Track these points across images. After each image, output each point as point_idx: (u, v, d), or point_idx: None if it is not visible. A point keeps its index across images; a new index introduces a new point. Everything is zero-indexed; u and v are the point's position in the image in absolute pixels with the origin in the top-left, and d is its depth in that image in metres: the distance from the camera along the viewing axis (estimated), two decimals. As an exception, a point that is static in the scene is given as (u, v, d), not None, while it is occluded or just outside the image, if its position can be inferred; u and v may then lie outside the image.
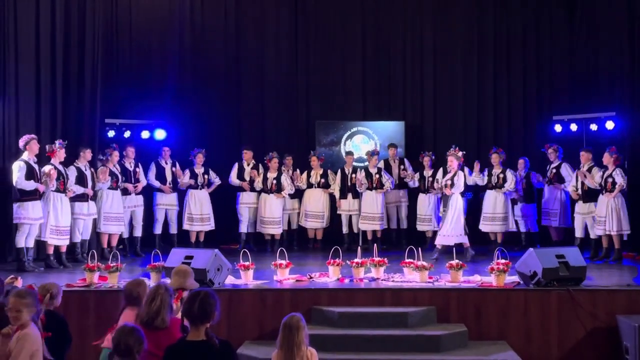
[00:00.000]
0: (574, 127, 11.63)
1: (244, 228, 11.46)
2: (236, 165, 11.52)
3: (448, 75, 12.66)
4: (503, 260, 7.36)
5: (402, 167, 11.68)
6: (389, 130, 12.57)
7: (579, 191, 9.90)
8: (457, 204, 9.55)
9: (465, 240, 9.48)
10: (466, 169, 10.24)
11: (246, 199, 11.46)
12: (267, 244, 11.21)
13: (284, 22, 12.83)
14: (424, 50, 12.70)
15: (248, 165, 11.54)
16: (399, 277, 7.81)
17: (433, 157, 11.32)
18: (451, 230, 9.41)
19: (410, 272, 7.75)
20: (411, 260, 7.78)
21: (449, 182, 9.62)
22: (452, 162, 9.74)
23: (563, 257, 7.09)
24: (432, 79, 12.69)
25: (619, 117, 10.96)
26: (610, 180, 9.41)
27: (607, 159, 9.60)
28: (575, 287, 7.00)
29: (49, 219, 9.07)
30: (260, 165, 11.50)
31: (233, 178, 11.42)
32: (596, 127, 11.33)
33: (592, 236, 9.84)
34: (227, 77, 12.79)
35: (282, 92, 12.81)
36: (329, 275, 7.89)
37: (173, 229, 11.25)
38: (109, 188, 10.00)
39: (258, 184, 11.16)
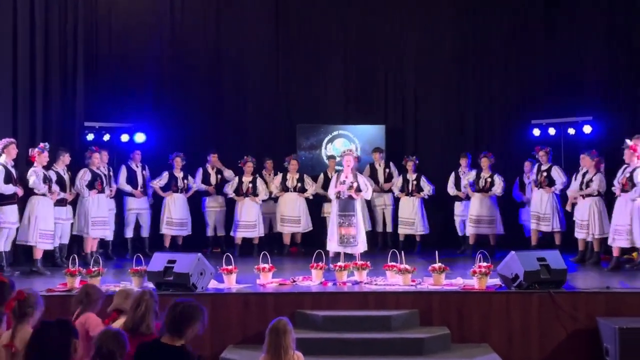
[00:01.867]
0: (552, 131, 11.75)
1: (210, 232, 11.50)
2: (200, 170, 11.44)
3: (428, 79, 12.74)
4: (485, 264, 7.41)
5: (387, 170, 11.70)
6: (370, 133, 12.62)
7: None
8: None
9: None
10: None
11: (212, 203, 11.46)
12: (244, 247, 10.98)
13: (265, 26, 12.83)
14: (405, 54, 12.78)
15: (213, 169, 11.51)
16: (382, 280, 7.83)
17: (417, 161, 11.36)
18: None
19: (393, 276, 7.78)
20: (394, 264, 7.81)
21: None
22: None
23: (544, 260, 7.15)
24: (413, 83, 12.77)
25: (596, 121, 11.13)
26: (590, 184, 9.55)
27: (587, 162, 9.71)
28: (556, 290, 7.07)
29: (36, 223, 8.97)
30: (224, 169, 11.47)
31: (198, 182, 11.33)
32: (574, 131, 11.49)
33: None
34: (208, 81, 12.74)
35: (263, 96, 12.80)
36: (312, 279, 7.90)
37: (145, 233, 11.22)
38: (98, 192, 9.87)
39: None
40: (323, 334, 6.77)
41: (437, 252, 7.77)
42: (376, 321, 6.90)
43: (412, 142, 12.70)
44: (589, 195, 9.47)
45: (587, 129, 11.19)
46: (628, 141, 8.62)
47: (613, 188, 9.02)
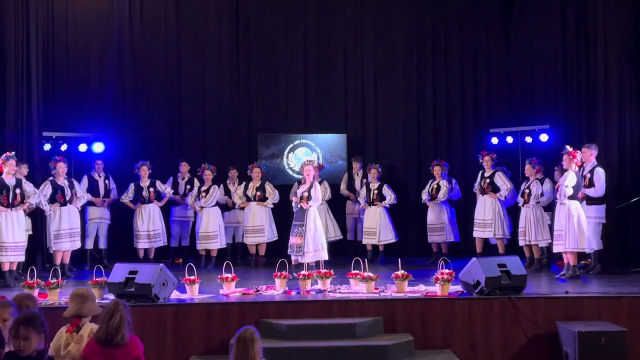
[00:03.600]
0: (509, 139, 12.00)
1: (175, 242, 11.36)
2: (170, 179, 11.34)
3: (388, 88, 12.86)
4: (447, 270, 7.49)
5: (364, 180, 11.69)
6: (332, 142, 12.68)
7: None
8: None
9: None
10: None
11: (179, 213, 11.35)
12: (201, 258, 10.77)
13: (225, 35, 12.80)
14: (365, 63, 12.87)
15: (183, 179, 11.40)
16: (346, 288, 7.85)
17: (380, 170, 11.40)
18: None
19: (356, 284, 7.81)
20: (357, 272, 7.84)
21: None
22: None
23: (505, 266, 7.26)
24: (373, 92, 12.86)
25: (552, 130, 11.37)
26: (527, 191, 9.86)
27: (529, 170, 9.99)
28: (516, 296, 7.18)
29: (7, 236, 8.76)
30: (195, 179, 11.32)
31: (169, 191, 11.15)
32: (531, 139, 11.74)
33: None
34: (167, 89, 12.66)
35: (224, 104, 12.76)
36: (276, 288, 7.87)
37: (102, 244, 11.05)
38: (60, 204, 9.61)
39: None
40: (288, 342, 6.75)
41: (399, 259, 7.83)
42: (341, 329, 6.91)
43: (373, 150, 12.78)
44: (525, 203, 9.82)
45: (543, 137, 11.44)
46: (568, 147, 8.81)
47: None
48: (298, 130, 12.81)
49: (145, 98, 12.54)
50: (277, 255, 10.15)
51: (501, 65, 12.66)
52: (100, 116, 12.12)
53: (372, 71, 12.87)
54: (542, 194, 9.85)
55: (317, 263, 8.82)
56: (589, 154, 9.04)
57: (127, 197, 10.82)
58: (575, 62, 10.50)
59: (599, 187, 8.89)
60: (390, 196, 11.18)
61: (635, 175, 9.71)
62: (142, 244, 10.70)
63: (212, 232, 10.81)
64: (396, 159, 12.65)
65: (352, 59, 12.91)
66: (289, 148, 12.66)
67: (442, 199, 10.94)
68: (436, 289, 7.43)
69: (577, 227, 8.49)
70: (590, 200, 9.03)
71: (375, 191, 11.20)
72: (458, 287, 7.58)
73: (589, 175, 8.98)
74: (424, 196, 11.13)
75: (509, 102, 12.56)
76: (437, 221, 10.94)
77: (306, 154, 12.54)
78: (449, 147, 12.68)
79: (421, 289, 7.70)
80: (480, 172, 10.70)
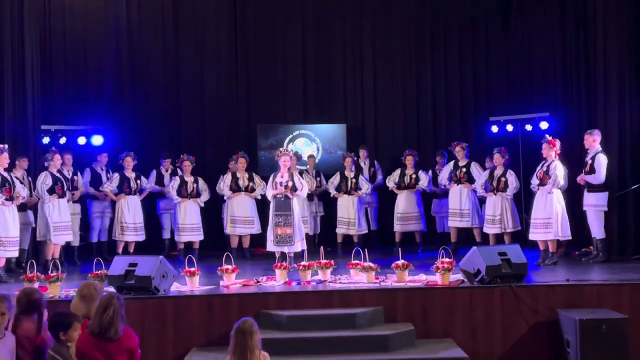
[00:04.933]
0: (509, 127, 11.96)
1: (166, 235, 11.26)
2: (154, 172, 11.16)
3: (387, 78, 12.83)
4: (447, 259, 7.48)
5: (372, 169, 11.66)
6: (331, 132, 12.65)
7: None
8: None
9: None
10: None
11: (165, 205, 11.27)
12: (189, 252, 10.06)
13: (223, 26, 12.75)
14: (364, 53, 12.83)
15: (167, 171, 11.35)
16: (346, 278, 7.84)
17: (355, 158, 11.28)
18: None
19: (356, 274, 7.80)
20: (357, 262, 7.83)
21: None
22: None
23: (505, 255, 7.24)
24: (372, 82, 12.83)
25: (552, 117, 11.33)
26: (503, 180, 9.86)
27: (497, 159, 10.00)
28: (517, 284, 7.16)
29: (8, 231, 8.67)
30: (179, 171, 11.16)
31: (152, 184, 11.03)
32: (531, 127, 11.69)
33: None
34: (166, 81, 12.62)
35: (223, 96, 12.73)
36: (276, 279, 7.86)
37: (104, 236, 11.03)
38: (59, 196, 9.54)
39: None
40: (288, 333, 6.75)
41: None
42: (341, 319, 6.90)
43: (373, 140, 12.76)
44: (500, 191, 9.83)
45: (544, 125, 11.39)
46: (548, 136, 8.92)
47: (530, 185, 9.21)
48: (297, 121, 12.77)
49: (143, 89, 12.50)
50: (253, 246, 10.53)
51: (500, 53, 12.61)
52: (99, 108, 12.09)
53: (371, 61, 12.82)
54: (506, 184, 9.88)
55: (302, 253, 8.79)
56: (592, 140, 8.98)
57: (109, 187, 10.50)
58: (574, 49, 10.44)
59: (599, 174, 8.85)
60: (366, 186, 11.05)
61: (635, 162, 9.66)
62: (128, 237, 10.38)
63: (195, 224, 10.60)
64: (396, 148, 12.58)
65: (350, 49, 12.87)
66: (288, 139, 12.63)
67: (424, 187, 10.95)
68: (437, 278, 7.42)
69: (560, 215, 8.71)
70: (590, 188, 9.00)
71: (353, 180, 11.07)
72: (459, 276, 7.57)
73: (590, 162, 8.95)
74: (391, 184, 11.06)
75: (508, 90, 12.52)
76: (413, 210, 10.92)
77: (305, 144, 12.52)
78: (449, 136, 12.61)
79: (422, 279, 7.69)
80: (453, 162, 10.70)
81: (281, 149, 10.17)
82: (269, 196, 9.23)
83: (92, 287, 5.08)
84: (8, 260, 9.17)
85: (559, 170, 8.70)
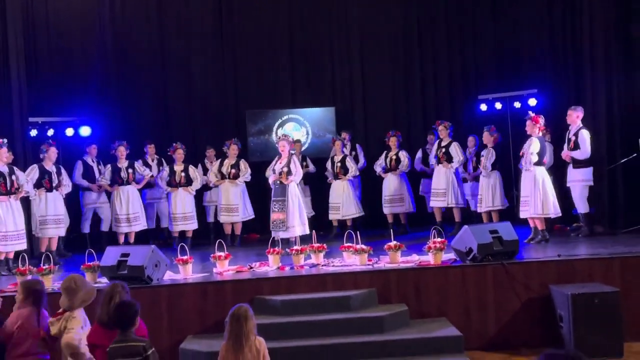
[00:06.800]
0: (498, 105, 11.97)
1: (152, 224, 11.23)
2: (140, 162, 10.97)
3: (375, 60, 12.79)
4: (439, 239, 7.50)
5: (354, 152, 11.65)
6: (320, 116, 12.63)
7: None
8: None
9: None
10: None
11: (151, 195, 11.24)
12: (183, 240, 10.03)
13: (209, 12, 12.68)
14: (351, 35, 12.78)
15: (153, 160, 11.29)
16: (339, 261, 7.86)
17: (344, 141, 11.34)
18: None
19: (349, 256, 7.82)
20: (350, 244, 7.84)
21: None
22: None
23: (496, 232, 7.27)
24: (360, 64, 12.79)
25: (540, 94, 11.35)
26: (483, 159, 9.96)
27: (487, 138, 10.03)
28: (509, 261, 7.20)
29: (9, 225, 8.63)
30: (163, 160, 11.20)
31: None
32: (519, 104, 11.70)
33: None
34: (153, 69, 12.55)
35: (210, 83, 12.67)
36: (270, 264, 7.87)
37: (104, 227, 10.89)
38: (46, 190, 9.50)
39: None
40: (283, 318, 6.77)
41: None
42: (335, 302, 6.92)
43: (362, 122, 12.75)
44: (484, 170, 9.91)
45: (532, 101, 11.41)
46: (531, 113, 8.87)
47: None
48: (286, 105, 12.74)
49: (130, 79, 12.42)
50: (256, 232, 10.53)
51: (488, 32, 12.55)
52: (86, 99, 11.98)
53: (359, 43, 12.77)
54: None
55: (301, 237, 8.79)
56: (575, 116, 9.00)
57: (103, 179, 10.47)
58: (561, 25, 10.46)
59: (584, 149, 8.87)
60: (352, 168, 11.07)
61: (623, 137, 9.70)
62: (122, 228, 10.29)
63: (188, 212, 10.55)
64: (385, 130, 12.55)
65: (337, 32, 12.81)
66: (277, 123, 12.60)
67: (404, 170, 10.95)
68: (429, 258, 7.45)
69: (542, 192, 8.54)
70: (576, 164, 9.02)
71: (339, 164, 11.09)
72: (451, 255, 7.60)
73: (573, 138, 8.96)
74: (378, 168, 11.09)
75: (497, 68, 12.47)
76: (398, 192, 10.92)
77: (295, 128, 12.50)
78: (438, 115, 12.53)
79: (414, 259, 7.72)
80: (437, 141, 10.69)
81: (280, 134, 10.36)
82: (270, 182, 9.34)
83: (72, 280, 5.05)
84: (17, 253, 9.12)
85: (534, 147, 8.55)
